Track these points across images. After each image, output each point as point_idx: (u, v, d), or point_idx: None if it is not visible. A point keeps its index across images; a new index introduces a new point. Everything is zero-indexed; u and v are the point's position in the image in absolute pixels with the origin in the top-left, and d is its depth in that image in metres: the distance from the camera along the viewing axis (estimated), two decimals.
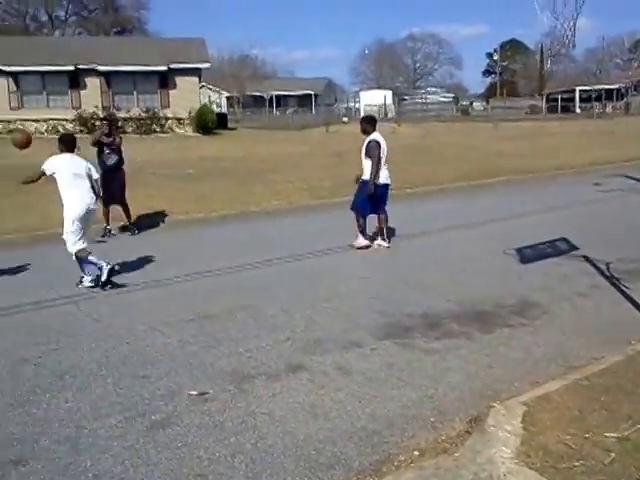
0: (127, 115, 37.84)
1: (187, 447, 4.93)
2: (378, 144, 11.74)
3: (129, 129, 36.53)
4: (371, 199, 11.88)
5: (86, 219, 9.75)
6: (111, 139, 13.73)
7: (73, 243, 9.63)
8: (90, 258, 9.58)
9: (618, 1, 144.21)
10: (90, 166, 9.98)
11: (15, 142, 10.06)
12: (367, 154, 11.74)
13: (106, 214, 13.65)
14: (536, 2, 9.44)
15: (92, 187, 9.90)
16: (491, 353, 6.84)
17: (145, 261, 11.36)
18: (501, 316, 8.02)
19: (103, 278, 9.49)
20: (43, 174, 9.59)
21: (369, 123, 12.11)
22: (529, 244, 11.71)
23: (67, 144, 9.86)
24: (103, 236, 13.44)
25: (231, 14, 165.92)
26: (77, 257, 9.72)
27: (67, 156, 9.75)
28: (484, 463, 4.50)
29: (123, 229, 14.05)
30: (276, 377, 6.20)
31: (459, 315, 8.05)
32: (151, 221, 14.88)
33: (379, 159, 11.67)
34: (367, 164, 11.78)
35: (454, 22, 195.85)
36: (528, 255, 11.07)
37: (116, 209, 13.91)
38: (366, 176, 11.77)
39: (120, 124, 38.84)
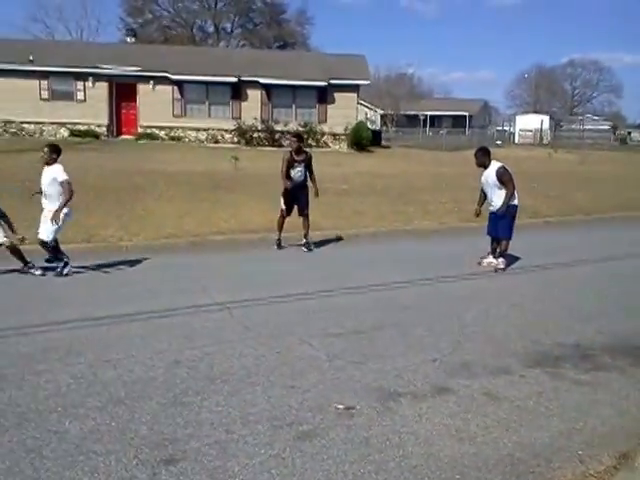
0: (284, 128, 38.63)
1: (332, 460, 5.01)
2: (507, 169, 11.71)
3: (285, 142, 37.18)
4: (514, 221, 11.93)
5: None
6: (302, 157, 13.66)
7: (53, 232, 10.70)
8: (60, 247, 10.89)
9: None
10: None
11: None
12: (500, 181, 11.64)
13: (281, 225, 13.74)
14: None
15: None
16: None
17: (293, 274, 11.63)
18: None
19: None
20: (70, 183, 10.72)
21: (485, 155, 12.05)
22: None
23: (60, 153, 10.92)
24: (280, 248, 13.79)
25: (388, 32, 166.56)
26: (50, 246, 10.77)
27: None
28: None
29: (302, 245, 13.97)
30: (422, 397, 6.21)
31: (612, 348, 7.81)
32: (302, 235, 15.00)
33: (513, 182, 11.63)
34: (499, 193, 11.75)
35: (616, 50, 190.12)
36: None
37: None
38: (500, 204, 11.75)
39: (277, 137, 39.99)
